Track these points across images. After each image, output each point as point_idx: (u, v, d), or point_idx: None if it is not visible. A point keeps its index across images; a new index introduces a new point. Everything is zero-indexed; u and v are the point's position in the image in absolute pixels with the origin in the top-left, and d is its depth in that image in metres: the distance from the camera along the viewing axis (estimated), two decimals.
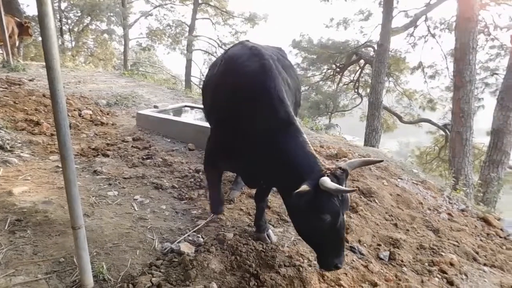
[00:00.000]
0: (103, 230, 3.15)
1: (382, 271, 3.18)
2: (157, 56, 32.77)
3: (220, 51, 23.92)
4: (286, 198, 2.62)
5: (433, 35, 18.58)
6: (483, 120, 15.45)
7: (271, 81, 2.70)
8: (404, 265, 3.37)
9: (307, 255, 3.09)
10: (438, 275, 3.30)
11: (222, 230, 3.38)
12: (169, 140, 6.13)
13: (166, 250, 2.98)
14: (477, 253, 3.96)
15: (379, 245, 3.62)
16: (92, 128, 6.31)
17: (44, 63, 1.99)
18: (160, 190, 4.18)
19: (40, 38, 2.03)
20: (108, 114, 7.40)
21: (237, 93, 2.84)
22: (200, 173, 4.75)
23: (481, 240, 4.40)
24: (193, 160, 5.29)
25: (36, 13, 1.95)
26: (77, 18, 24.39)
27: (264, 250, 3.01)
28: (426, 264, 3.48)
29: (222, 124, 3.04)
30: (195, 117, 7.17)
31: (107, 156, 5.04)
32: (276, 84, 2.70)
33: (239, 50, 3.17)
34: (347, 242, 3.44)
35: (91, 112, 6.96)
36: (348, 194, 2.44)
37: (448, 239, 4.11)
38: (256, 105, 2.72)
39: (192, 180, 4.52)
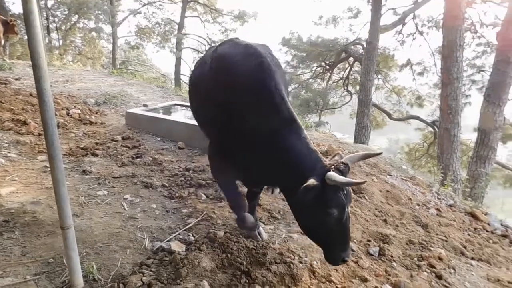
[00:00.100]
0: (93, 230, 3.12)
1: (372, 266, 3.21)
2: (146, 55, 32.59)
3: None
4: (290, 196, 2.62)
5: (421, 33, 18.78)
6: (470, 117, 15.67)
7: (271, 79, 2.66)
8: (394, 260, 3.40)
9: (298, 252, 3.11)
10: (427, 270, 3.35)
11: (213, 228, 3.38)
12: (159, 138, 6.10)
13: (157, 249, 2.97)
14: (465, 247, 4.02)
15: (369, 241, 3.65)
16: (80, 128, 6.25)
17: (30, 62, 1.96)
18: (150, 189, 4.16)
19: (26, 37, 1.99)
20: (97, 113, 7.33)
21: (236, 93, 2.75)
22: (191, 171, 4.74)
23: (468, 234, 4.47)
24: (183, 159, 5.27)
25: (21, 11, 1.92)
26: (64, 16, 24.13)
27: (255, 248, 3.02)
28: (415, 259, 3.52)
29: (222, 126, 2.90)
30: (185, 116, 7.14)
31: (96, 155, 5.00)
32: (276, 82, 2.67)
33: (232, 49, 3.09)
34: None
35: (79, 111, 6.89)
36: (350, 187, 2.46)
37: (437, 234, 4.16)
38: (258, 104, 2.66)
39: (183, 178, 4.50)
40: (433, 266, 3.40)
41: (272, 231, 3.46)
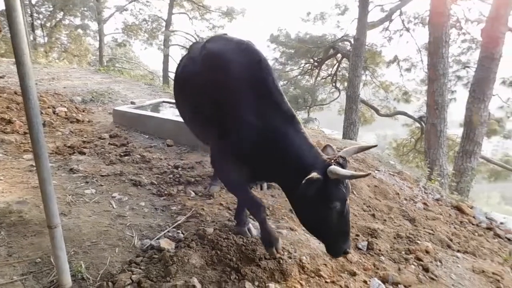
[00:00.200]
0: (81, 228, 3.10)
1: (360, 260, 3.25)
2: (133, 52, 32.21)
3: None
4: (291, 191, 2.63)
5: (408, 29, 18.94)
6: (456, 112, 15.89)
7: (269, 75, 2.66)
8: (382, 254, 3.45)
9: (287, 247, 3.12)
10: (414, 263, 3.40)
11: (202, 225, 3.38)
12: (147, 136, 6.06)
13: (146, 247, 2.96)
14: (451, 240, 4.09)
15: (358, 235, 3.69)
16: (67, 126, 6.17)
17: (14, 59, 1.93)
18: (139, 187, 4.14)
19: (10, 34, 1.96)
20: (83, 111, 7.25)
21: (235, 90, 2.71)
22: (179, 169, 4.72)
23: (455, 227, 4.55)
24: (172, 156, 5.25)
25: (4, 7, 1.89)
26: (49, 13, 23.68)
27: (245, 244, 3.02)
28: (403, 252, 3.57)
29: (222, 125, 2.81)
30: (173, 113, 7.10)
31: (84, 153, 4.95)
32: (274, 78, 2.68)
33: (224, 45, 3.03)
34: None
35: (66, 109, 6.80)
36: (348, 181, 2.49)
37: (424, 228, 4.23)
38: (258, 101, 2.64)
39: (171, 176, 4.48)
40: (420, 259, 3.45)
41: None
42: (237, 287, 2.58)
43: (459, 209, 5.20)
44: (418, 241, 3.81)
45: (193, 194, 4.10)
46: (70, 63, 17.94)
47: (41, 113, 6.12)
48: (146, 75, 21.40)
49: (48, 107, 6.68)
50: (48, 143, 5.06)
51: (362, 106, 19.15)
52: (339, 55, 20.98)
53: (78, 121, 6.50)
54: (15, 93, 6.87)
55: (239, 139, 2.70)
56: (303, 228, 3.56)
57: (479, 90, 10.64)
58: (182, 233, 3.22)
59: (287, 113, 2.63)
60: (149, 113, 6.67)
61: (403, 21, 18.86)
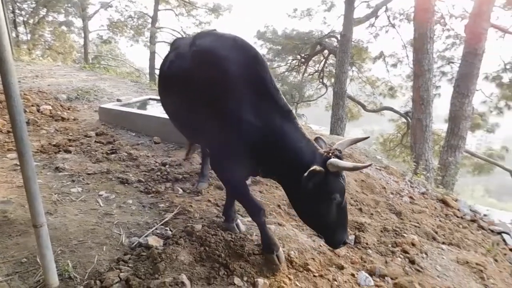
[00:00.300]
0: (67, 227, 3.06)
1: (348, 254, 3.29)
2: (119, 49, 31.74)
3: None
4: (290, 185, 2.66)
5: (393, 25, 19.09)
6: (441, 107, 16.11)
7: (265, 71, 2.64)
8: (369, 248, 3.50)
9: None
10: (400, 255, 3.46)
11: (190, 222, 3.37)
12: (134, 134, 6.01)
13: (134, 244, 2.95)
14: (436, 232, 4.17)
15: None
16: (52, 124, 6.08)
17: None
18: (126, 184, 4.11)
19: None
20: (69, 109, 7.15)
21: (232, 87, 2.64)
22: (167, 166, 4.70)
23: (440, 220, 4.64)
24: (159, 153, 5.22)
25: None
26: (31, 9, 23.18)
27: (233, 240, 3.03)
28: (390, 245, 3.63)
29: (220, 124, 2.72)
30: (160, 110, 7.03)
31: (69, 152, 4.89)
32: (270, 73, 2.67)
33: (216, 41, 2.92)
34: None
35: (50, 107, 6.70)
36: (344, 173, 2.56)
37: (410, 221, 4.30)
38: (256, 97, 2.61)
39: (159, 173, 4.46)
40: (406, 252, 3.52)
41: (250, 223, 3.46)
42: (226, 283, 2.60)
43: (444, 202, 5.30)
44: (405, 234, 3.87)
45: (181, 191, 4.09)
46: (54, 60, 17.64)
47: (25, 111, 6.02)
48: (132, 72, 21.13)
49: (32, 105, 6.56)
50: (32, 142, 4.98)
51: (349, 102, 19.29)
52: (326, 51, 21.06)
53: (63, 119, 6.41)
54: None
55: (239, 139, 2.64)
56: (291, 223, 3.60)
57: (463, 85, 10.81)
58: (170, 230, 3.21)
59: (283, 108, 2.63)
60: (135, 110, 6.62)
61: (388, 17, 19.01)
